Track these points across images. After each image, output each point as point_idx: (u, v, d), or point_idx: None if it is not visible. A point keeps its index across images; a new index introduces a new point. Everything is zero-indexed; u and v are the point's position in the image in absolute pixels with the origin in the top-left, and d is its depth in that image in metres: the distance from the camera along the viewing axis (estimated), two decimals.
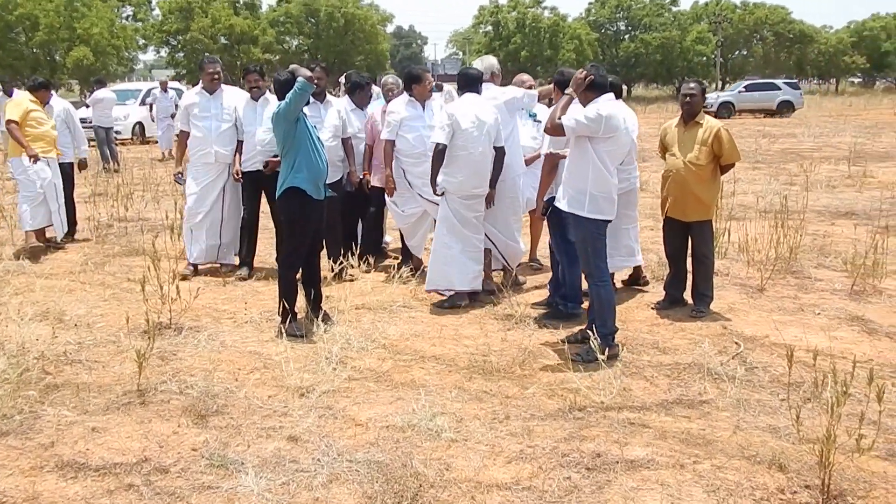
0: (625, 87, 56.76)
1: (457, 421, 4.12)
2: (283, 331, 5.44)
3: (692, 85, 5.90)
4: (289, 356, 4.92)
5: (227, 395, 4.47)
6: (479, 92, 6.10)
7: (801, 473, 3.54)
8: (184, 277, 6.88)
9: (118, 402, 4.40)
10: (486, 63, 6.54)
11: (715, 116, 18.67)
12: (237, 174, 7.04)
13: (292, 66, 5.69)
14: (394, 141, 6.59)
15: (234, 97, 7.16)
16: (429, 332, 5.61)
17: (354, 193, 7.13)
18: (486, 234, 6.32)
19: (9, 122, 7.87)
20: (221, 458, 3.71)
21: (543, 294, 6.48)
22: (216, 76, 7.14)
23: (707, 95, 6.02)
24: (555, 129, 4.89)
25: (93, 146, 17.16)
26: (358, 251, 7.09)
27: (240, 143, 7.06)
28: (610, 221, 5.00)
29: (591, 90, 4.93)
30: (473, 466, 3.65)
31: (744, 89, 34.62)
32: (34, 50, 39.00)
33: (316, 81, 6.67)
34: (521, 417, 4.18)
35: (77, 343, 5.33)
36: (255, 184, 7.07)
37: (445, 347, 5.29)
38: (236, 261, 7.34)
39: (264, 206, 7.24)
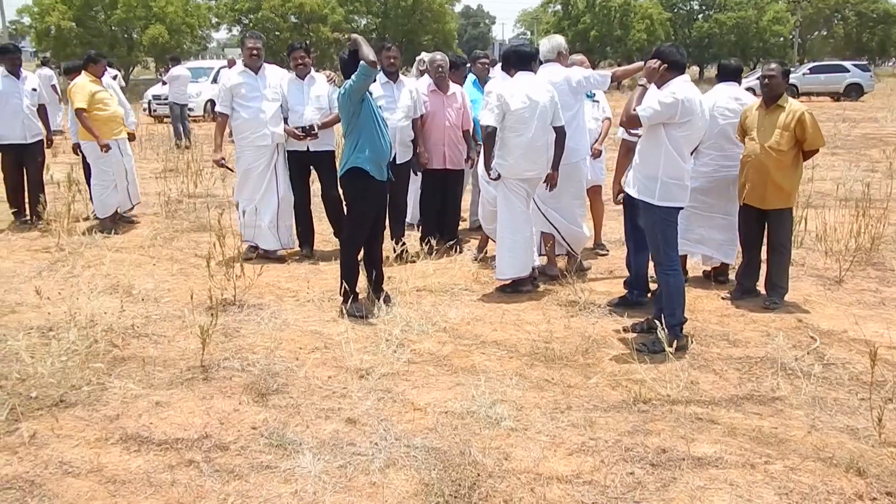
0: (696, 69, 55.34)
1: (517, 409, 4.04)
2: (345, 311, 5.42)
3: (772, 66, 5.63)
4: (349, 337, 4.91)
5: (288, 373, 4.48)
6: (533, 70, 5.90)
7: (882, 479, 3.35)
8: (247, 259, 6.82)
9: (182, 377, 4.45)
10: (554, 43, 6.31)
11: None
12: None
13: (353, 37, 5.47)
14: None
15: (277, 75, 6.95)
16: (490, 316, 5.52)
17: (434, 174, 7.04)
18: (549, 219, 6.18)
19: (78, 110, 7.90)
20: (280, 437, 3.71)
21: (609, 281, 6.33)
22: (255, 52, 6.79)
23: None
24: (631, 122, 4.72)
25: (168, 122, 17.62)
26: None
27: (284, 121, 6.86)
28: (682, 208, 4.81)
29: (668, 70, 4.74)
30: (533, 457, 3.56)
31: (809, 71, 33.19)
32: (112, 28, 40.06)
33: (392, 61, 6.61)
34: (583, 408, 4.07)
35: (144, 317, 5.42)
36: (303, 164, 6.99)
37: (507, 333, 5.20)
38: (295, 243, 7.23)
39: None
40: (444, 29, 49.20)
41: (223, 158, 6.98)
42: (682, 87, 4.68)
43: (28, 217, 8.44)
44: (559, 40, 6.38)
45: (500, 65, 6.47)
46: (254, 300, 5.84)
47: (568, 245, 6.39)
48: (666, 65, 4.76)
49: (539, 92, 5.73)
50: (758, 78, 5.67)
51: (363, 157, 5.33)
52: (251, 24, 45.84)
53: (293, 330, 5.24)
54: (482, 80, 7.33)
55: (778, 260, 5.68)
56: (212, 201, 9.59)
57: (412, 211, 7.73)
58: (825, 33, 57.92)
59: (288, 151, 6.92)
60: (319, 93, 6.83)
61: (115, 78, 12.37)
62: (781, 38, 53.64)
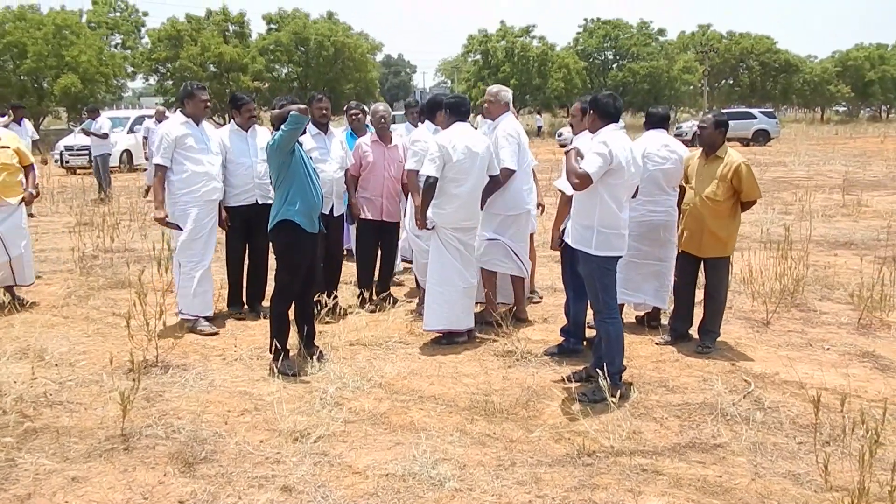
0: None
1: (460, 468, 3.90)
2: (275, 369, 5.20)
3: (707, 117, 5.74)
4: (281, 397, 4.70)
5: (217, 439, 4.23)
6: (465, 120, 5.93)
7: None
8: (214, 333, 6.21)
9: (100, 448, 4.14)
10: (508, 94, 6.41)
11: (688, 145, 18.70)
12: (226, 222, 6.56)
13: (286, 99, 5.47)
14: (418, 171, 6.44)
15: (213, 129, 6.55)
16: (427, 369, 5.39)
17: (370, 225, 6.93)
18: (520, 259, 6.24)
19: None
20: None
21: (544, 329, 6.30)
22: (208, 104, 6.44)
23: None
24: (583, 182, 4.59)
25: (88, 174, 16.94)
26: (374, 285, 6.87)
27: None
28: (621, 257, 4.81)
29: (600, 118, 4.78)
30: None
31: None
32: (21, 77, 38.77)
33: (323, 111, 6.48)
34: (527, 464, 3.96)
35: (58, 383, 5.07)
36: (244, 219, 6.58)
37: (445, 387, 5.07)
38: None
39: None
40: (367, 77, 49.50)
41: (166, 216, 6.25)
42: (611, 135, 4.72)
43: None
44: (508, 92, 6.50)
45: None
46: (178, 360, 5.54)
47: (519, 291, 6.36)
48: (597, 113, 4.81)
49: (477, 142, 5.76)
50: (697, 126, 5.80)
51: (293, 210, 5.19)
52: (169, 74, 45.18)
53: (221, 391, 4.98)
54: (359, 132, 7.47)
55: (713, 306, 5.75)
56: (130, 256, 9.21)
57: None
58: (731, 82, 60.85)
59: (229, 208, 6.51)
60: (263, 144, 6.57)
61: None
62: (691, 87, 56.06)
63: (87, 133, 15.62)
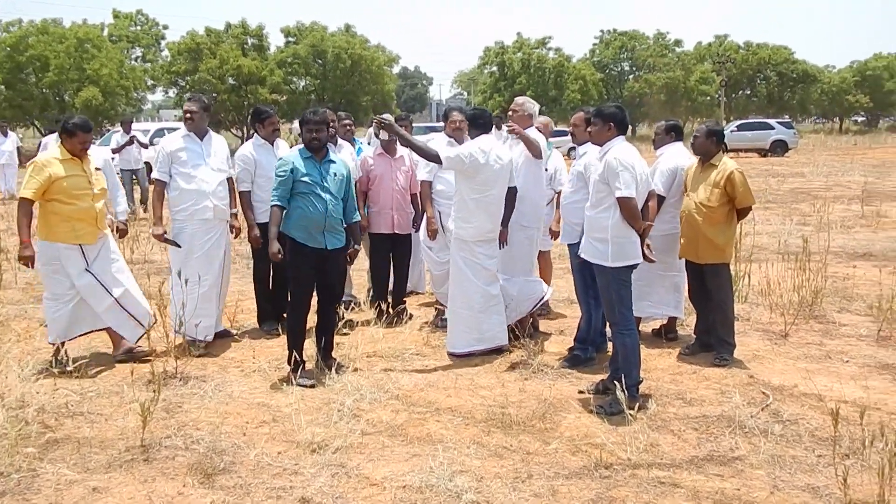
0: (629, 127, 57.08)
1: (477, 480, 3.90)
2: (293, 381, 5.24)
3: (701, 126, 5.90)
4: (299, 408, 4.73)
5: (235, 451, 4.26)
6: (488, 132, 5.95)
7: None
8: (201, 355, 5.98)
9: (121, 458, 4.19)
10: (534, 107, 6.44)
11: None
12: (238, 230, 6.46)
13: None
14: (431, 182, 6.47)
15: (222, 145, 6.35)
16: (443, 381, 5.40)
17: (382, 238, 6.93)
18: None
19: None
20: None
21: (560, 341, 6.29)
22: (188, 115, 6.12)
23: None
24: (630, 203, 4.67)
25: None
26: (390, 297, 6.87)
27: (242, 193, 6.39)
28: (636, 266, 4.82)
29: (608, 131, 4.81)
30: None
31: (736, 129, 34.57)
32: (44, 90, 39.31)
33: (333, 125, 6.38)
34: (544, 476, 3.97)
35: (79, 394, 5.12)
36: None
37: (461, 398, 5.08)
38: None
39: None
40: (383, 90, 49.75)
41: (165, 233, 6.14)
42: (624, 150, 4.75)
43: None
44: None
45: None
46: (196, 372, 5.59)
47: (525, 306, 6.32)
48: (605, 125, 4.83)
49: (502, 153, 5.80)
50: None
51: (289, 224, 5.35)
52: (188, 86, 45.64)
53: (239, 403, 5.02)
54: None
55: (720, 315, 5.74)
56: (150, 267, 9.30)
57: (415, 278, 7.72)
58: (749, 92, 60.58)
59: (261, 224, 6.25)
60: None
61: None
62: (708, 97, 55.86)
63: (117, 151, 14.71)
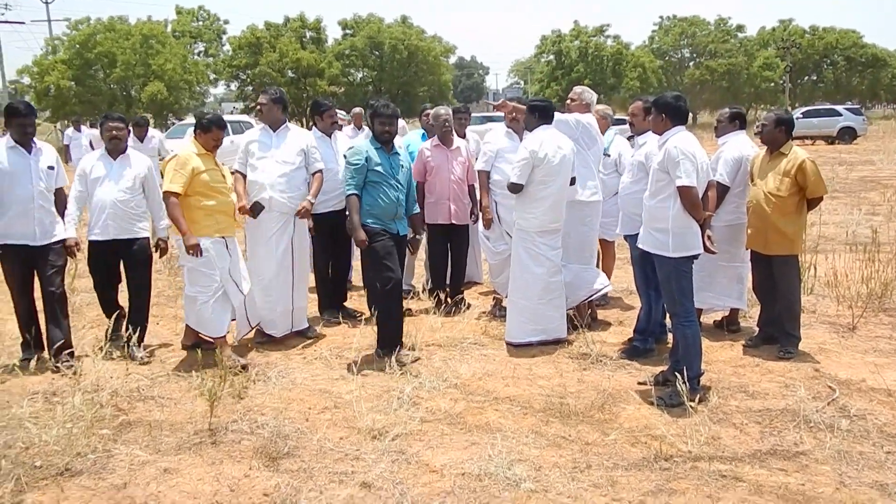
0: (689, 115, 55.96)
1: (535, 469, 3.93)
2: (399, 361, 5.41)
3: (769, 115, 5.77)
4: (360, 395, 4.82)
5: (298, 436, 4.37)
6: (551, 123, 5.92)
7: None
8: (259, 342, 6.13)
9: (190, 441, 4.34)
10: (591, 96, 6.44)
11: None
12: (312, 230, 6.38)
13: None
14: (488, 172, 6.49)
15: (302, 137, 6.26)
16: (501, 371, 5.43)
17: (439, 229, 6.99)
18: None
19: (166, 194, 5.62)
20: None
21: (619, 332, 6.26)
22: (258, 107, 6.25)
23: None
24: (690, 192, 4.62)
25: None
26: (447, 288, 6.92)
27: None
28: (697, 256, 4.75)
29: (671, 121, 4.75)
30: None
31: (802, 115, 33.45)
32: (111, 86, 40.51)
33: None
34: (603, 466, 3.96)
35: (150, 379, 5.32)
36: (331, 225, 6.54)
37: (519, 388, 5.10)
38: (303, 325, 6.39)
39: None
40: (440, 80, 49.83)
41: (252, 203, 5.99)
42: (686, 140, 4.68)
43: (36, 352, 5.79)
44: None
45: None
46: (260, 359, 5.74)
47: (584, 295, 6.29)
48: (667, 116, 4.77)
49: (564, 143, 5.79)
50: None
51: (364, 213, 5.58)
52: (248, 80, 46.48)
53: (302, 389, 5.14)
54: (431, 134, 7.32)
55: (786, 307, 5.62)
56: None
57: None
58: (815, 78, 58.75)
59: (317, 215, 6.38)
60: (344, 150, 6.61)
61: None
62: (772, 84, 54.36)
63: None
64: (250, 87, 46.60)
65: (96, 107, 38.31)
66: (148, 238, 6.02)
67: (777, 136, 5.57)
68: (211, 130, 5.67)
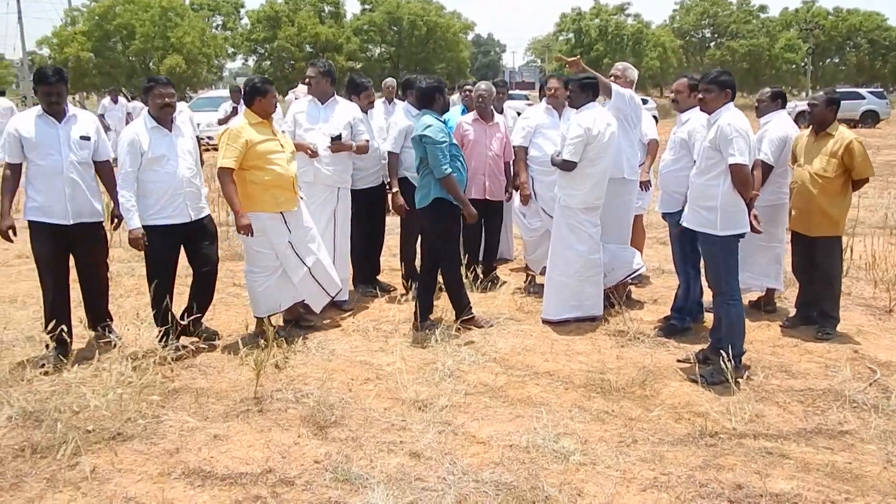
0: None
1: (582, 443, 3.96)
2: (480, 324, 5.74)
3: (819, 94, 5.70)
4: (401, 367, 4.85)
5: (343, 405, 4.42)
6: (596, 100, 5.88)
7: None
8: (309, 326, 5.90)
9: (237, 409, 4.39)
10: (634, 73, 6.48)
11: None
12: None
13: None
14: (526, 147, 6.47)
15: (349, 110, 6.23)
16: (539, 346, 5.45)
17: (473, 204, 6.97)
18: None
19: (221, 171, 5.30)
20: (346, 472, 3.64)
21: (655, 310, 6.26)
22: (307, 80, 6.24)
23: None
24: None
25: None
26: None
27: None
28: (744, 235, 4.74)
29: (724, 98, 4.72)
30: (606, 493, 3.48)
31: None
32: (130, 58, 40.54)
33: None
34: (649, 441, 3.99)
35: (192, 347, 5.36)
36: (370, 201, 6.60)
37: (559, 363, 5.12)
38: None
39: None
40: (458, 57, 49.59)
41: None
42: (736, 117, 4.66)
43: (55, 352, 5.10)
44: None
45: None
46: (299, 330, 5.78)
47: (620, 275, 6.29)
48: (720, 92, 4.74)
49: (612, 121, 5.76)
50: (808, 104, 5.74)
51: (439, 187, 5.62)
52: (266, 54, 46.39)
53: (342, 360, 5.18)
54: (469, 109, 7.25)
55: (828, 290, 5.60)
56: None
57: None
58: (837, 60, 58.04)
59: (356, 191, 6.40)
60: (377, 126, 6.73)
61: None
62: (794, 66, 53.77)
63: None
64: (268, 62, 46.54)
65: (115, 79, 38.36)
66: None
67: (828, 115, 5.51)
68: (268, 92, 5.34)
